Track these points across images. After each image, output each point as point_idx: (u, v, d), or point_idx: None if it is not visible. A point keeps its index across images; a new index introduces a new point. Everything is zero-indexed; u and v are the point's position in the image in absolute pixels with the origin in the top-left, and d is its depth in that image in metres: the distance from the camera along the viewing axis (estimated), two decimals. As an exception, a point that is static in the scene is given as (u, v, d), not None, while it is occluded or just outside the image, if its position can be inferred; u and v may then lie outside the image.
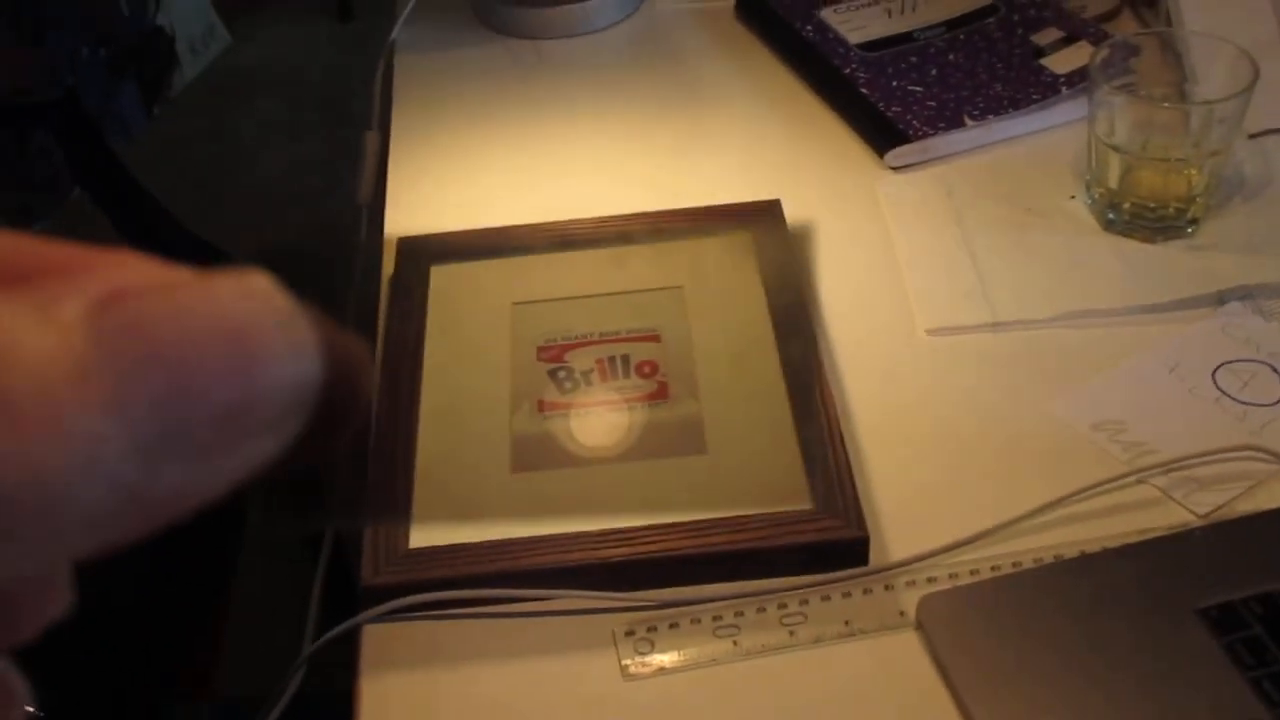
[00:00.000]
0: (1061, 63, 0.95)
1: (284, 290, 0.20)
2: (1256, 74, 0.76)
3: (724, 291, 0.78)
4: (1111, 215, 0.82)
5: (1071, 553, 0.63)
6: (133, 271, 0.19)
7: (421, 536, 0.64)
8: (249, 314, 0.19)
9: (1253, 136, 0.87)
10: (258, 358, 0.19)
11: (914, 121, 0.91)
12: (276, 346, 0.19)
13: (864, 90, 0.95)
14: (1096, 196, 0.83)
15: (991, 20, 1.01)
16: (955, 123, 0.91)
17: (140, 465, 0.17)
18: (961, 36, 1.00)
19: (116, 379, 0.17)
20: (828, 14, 1.05)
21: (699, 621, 0.61)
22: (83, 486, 0.17)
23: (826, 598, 0.62)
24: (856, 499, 0.64)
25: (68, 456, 0.17)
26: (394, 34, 1.11)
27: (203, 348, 0.18)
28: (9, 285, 0.18)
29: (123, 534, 0.18)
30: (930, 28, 1.02)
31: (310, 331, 0.20)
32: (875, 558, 0.63)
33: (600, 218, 0.83)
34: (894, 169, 0.89)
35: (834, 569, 0.63)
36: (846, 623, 0.61)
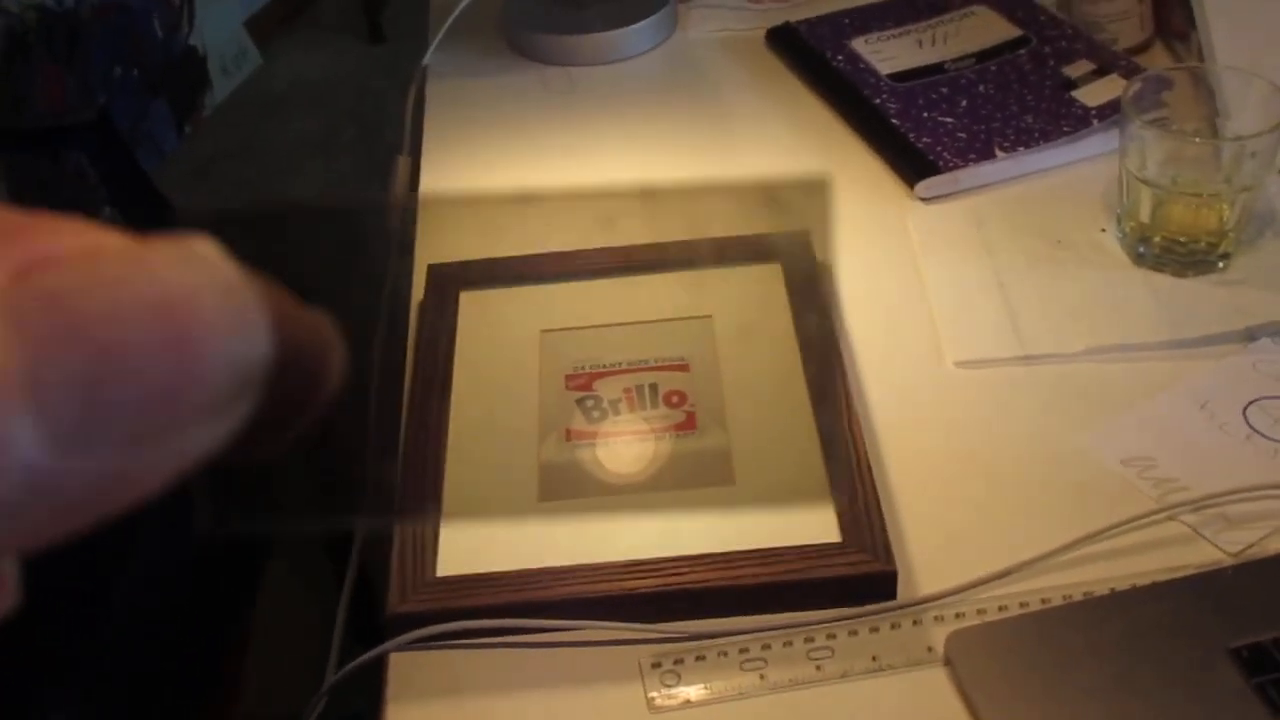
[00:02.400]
0: (1093, 95, 0.95)
1: (229, 257, 0.18)
2: (1290, 109, 0.76)
3: (753, 321, 0.78)
4: (1142, 249, 0.82)
5: (1101, 590, 0.62)
6: (59, 237, 0.17)
7: (448, 565, 0.64)
8: (185, 284, 0.17)
9: (1285, 171, 0.87)
10: (194, 333, 0.16)
11: (944, 153, 0.91)
12: (217, 320, 0.17)
13: (894, 121, 0.95)
14: (1127, 230, 0.83)
15: (1023, 52, 1.01)
16: (986, 154, 0.91)
17: (57, 455, 0.15)
18: (992, 68, 1.00)
19: (29, 358, 0.15)
20: (858, 44, 1.05)
21: (726, 654, 0.61)
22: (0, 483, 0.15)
23: (854, 632, 0.62)
24: (885, 533, 0.64)
25: None
26: (426, 59, 1.12)
27: (129, 322, 0.16)
28: None
29: (44, 530, 0.16)
30: (961, 59, 1.02)
31: (259, 304, 0.18)
32: (903, 592, 0.63)
33: (629, 245, 0.84)
34: (924, 200, 0.89)
35: (862, 603, 0.62)
36: (874, 658, 0.60)
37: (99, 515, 0.17)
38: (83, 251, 0.17)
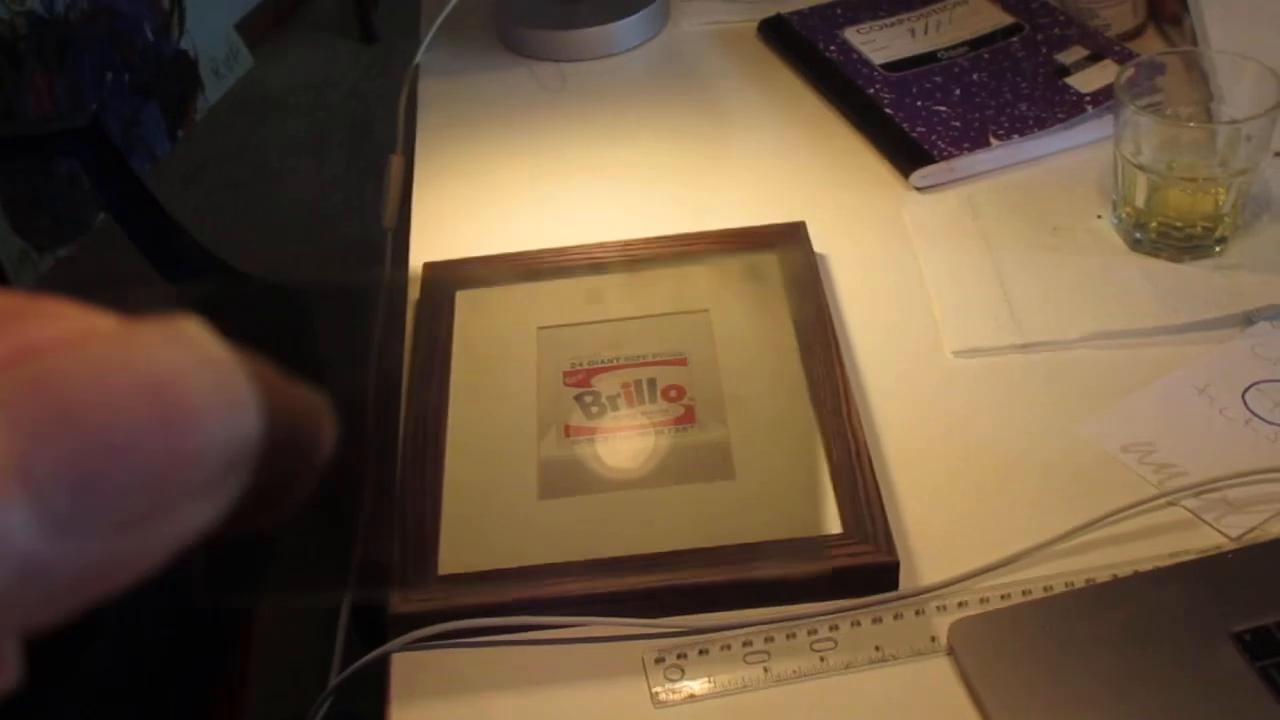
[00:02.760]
0: (1086, 81, 0.95)
1: (216, 337, 0.18)
2: (1284, 92, 0.76)
3: (750, 314, 0.78)
4: (1138, 235, 0.82)
5: (1103, 576, 0.62)
6: (47, 322, 0.17)
7: (450, 563, 0.64)
8: (174, 365, 0.17)
9: (1280, 154, 0.86)
10: (184, 414, 0.17)
11: (939, 142, 0.91)
12: (207, 401, 0.17)
13: (888, 110, 0.95)
14: (1123, 216, 0.83)
15: (1015, 39, 1.01)
16: (980, 143, 0.90)
17: (54, 542, 0.16)
18: (985, 56, 1.00)
19: (20, 448, 0.15)
20: (851, 34, 1.05)
21: (729, 648, 0.61)
22: None
23: (857, 623, 0.62)
24: (886, 523, 0.64)
25: None
26: (418, 58, 1.12)
27: (119, 406, 0.16)
28: None
29: (42, 614, 0.16)
30: (954, 47, 1.02)
31: (247, 382, 0.18)
32: (905, 582, 0.63)
33: (625, 241, 0.83)
34: (919, 189, 0.89)
35: (864, 594, 0.62)
36: (877, 648, 0.60)
37: (95, 597, 0.17)
38: (71, 337, 0.17)
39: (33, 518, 0.15)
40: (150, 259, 1.40)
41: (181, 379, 0.17)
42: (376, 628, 0.64)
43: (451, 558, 0.65)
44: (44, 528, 0.15)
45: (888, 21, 1.06)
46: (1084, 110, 0.92)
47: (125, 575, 0.17)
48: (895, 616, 0.62)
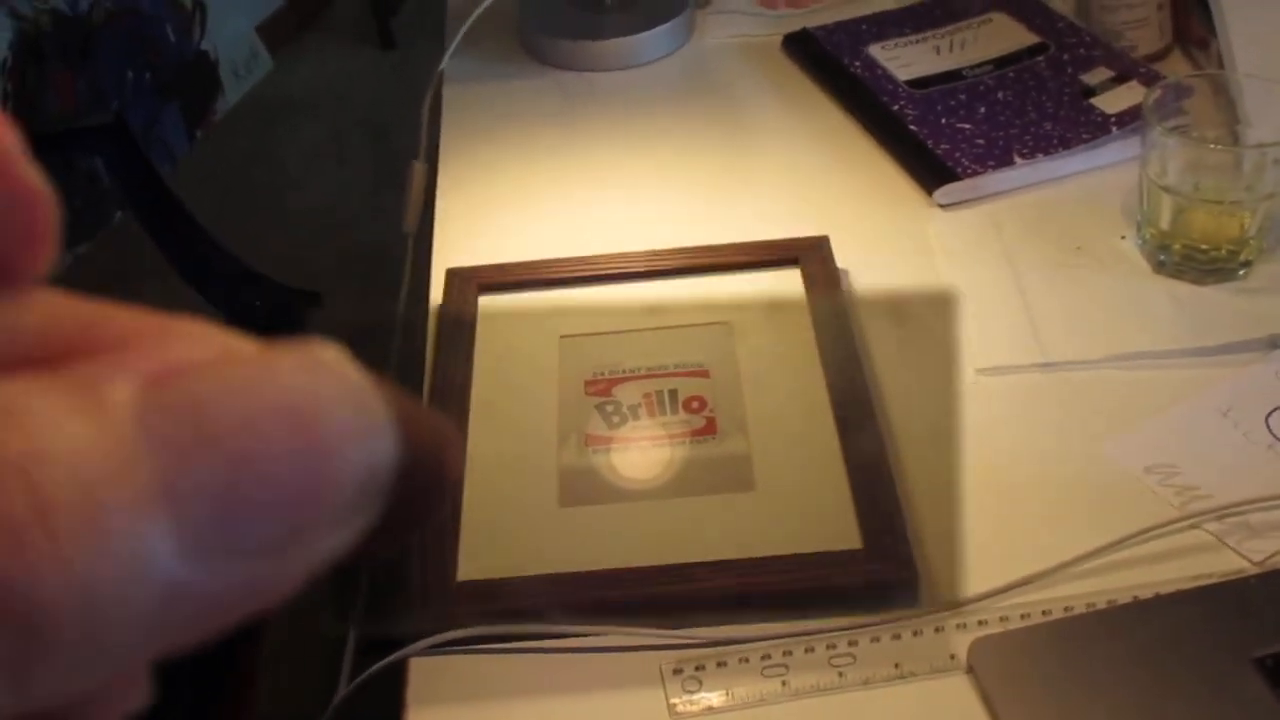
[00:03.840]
0: (1112, 102, 0.95)
1: (357, 363, 0.18)
2: (1312, 117, 0.76)
3: (772, 327, 0.78)
4: (1163, 257, 0.81)
5: (1124, 598, 0.62)
6: (189, 344, 0.17)
7: (468, 570, 0.64)
8: (315, 391, 0.17)
9: (1306, 179, 0.86)
10: (325, 440, 0.17)
11: (963, 159, 0.91)
12: (346, 427, 0.17)
13: (913, 127, 0.95)
14: (1148, 237, 0.82)
15: (1041, 59, 1.01)
16: (1005, 161, 0.90)
17: (196, 564, 0.16)
18: (1011, 74, 1.00)
19: (165, 470, 0.15)
20: (876, 50, 1.05)
21: (747, 661, 0.61)
22: (132, 593, 0.15)
23: (876, 639, 0.61)
24: (907, 539, 0.64)
25: (114, 562, 0.15)
26: (443, 64, 1.12)
27: (262, 431, 0.16)
28: (53, 363, 0.16)
29: (179, 638, 0.16)
30: (979, 65, 1.02)
31: (386, 409, 0.18)
32: (926, 599, 0.63)
33: (649, 251, 0.84)
34: (943, 207, 0.89)
35: (884, 610, 0.62)
36: (896, 665, 0.60)
37: (229, 622, 0.17)
38: (213, 359, 0.17)
39: (176, 541, 0.15)
40: (170, 257, 1.40)
41: (323, 405, 0.17)
42: (393, 634, 0.64)
43: (470, 564, 0.64)
44: (186, 551, 0.15)
45: (913, 39, 1.06)
46: (1109, 131, 0.92)
47: (259, 601, 0.17)
48: (915, 633, 0.62)
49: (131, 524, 0.15)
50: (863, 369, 0.74)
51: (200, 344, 0.17)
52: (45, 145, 1.48)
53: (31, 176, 0.19)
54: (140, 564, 0.15)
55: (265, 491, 0.16)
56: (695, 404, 0.73)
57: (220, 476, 0.16)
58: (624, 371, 0.75)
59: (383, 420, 0.18)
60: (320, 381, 0.17)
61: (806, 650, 0.61)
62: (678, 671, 0.61)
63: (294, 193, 2.58)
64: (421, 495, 0.19)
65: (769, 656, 0.61)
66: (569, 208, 0.94)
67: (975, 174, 0.90)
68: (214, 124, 2.82)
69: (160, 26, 2.70)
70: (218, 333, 0.18)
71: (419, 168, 1.03)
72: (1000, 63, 1.02)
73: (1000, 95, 0.98)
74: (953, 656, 0.60)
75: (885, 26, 1.08)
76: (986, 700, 0.58)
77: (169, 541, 0.15)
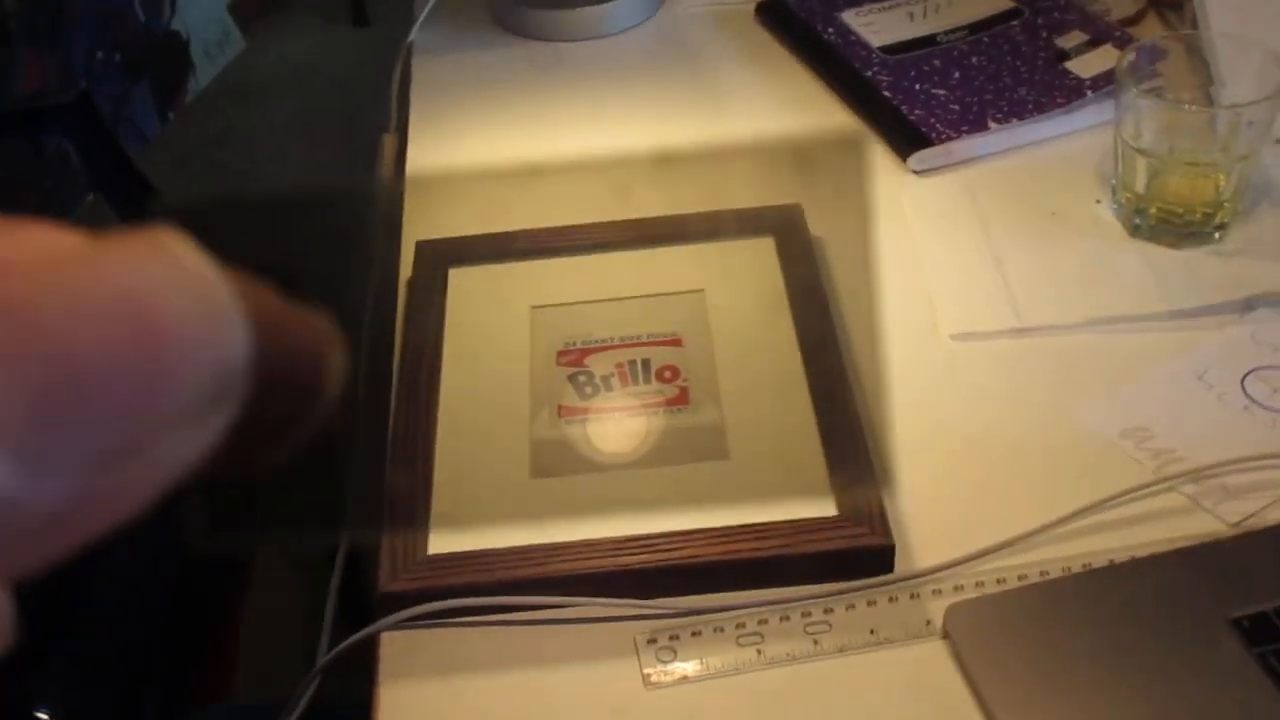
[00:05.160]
0: (1086, 66, 0.94)
1: (200, 251, 0.16)
2: (1286, 77, 0.75)
3: (746, 296, 0.77)
4: (1138, 220, 0.81)
5: (1100, 562, 0.62)
6: (13, 244, 0.16)
7: (440, 542, 0.63)
8: (150, 283, 0.15)
9: (1280, 141, 0.86)
10: (160, 336, 0.15)
11: (937, 125, 0.90)
12: (186, 321, 0.15)
13: (886, 93, 0.94)
14: (1123, 201, 0.82)
15: (1015, 23, 1.01)
16: (979, 126, 0.90)
17: (21, 477, 0.14)
18: (985, 40, 0.99)
19: None
20: (849, 16, 1.04)
21: (722, 630, 0.60)
22: None
23: (851, 606, 0.61)
24: (881, 506, 0.63)
25: None
26: (411, 36, 1.11)
27: (92, 328, 0.15)
28: None
29: (24, 557, 0.15)
30: (953, 31, 1.01)
31: (235, 301, 0.16)
32: (901, 566, 0.62)
33: (620, 221, 0.83)
34: (917, 173, 0.88)
35: (859, 577, 0.62)
36: (872, 632, 0.60)
37: (80, 537, 0.16)
38: (35, 256, 0.15)
39: (1, 453, 0.14)
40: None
41: (159, 297, 0.15)
42: (364, 608, 0.63)
43: (442, 537, 0.64)
44: (13, 464, 0.14)
45: (886, 4, 1.05)
46: (1083, 95, 0.91)
47: (110, 513, 0.16)
48: (890, 600, 0.61)
49: None
50: (837, 337, 0.73)
51: (24, 242, 0.16)
52: (11, 125, 1.46)
53: (311, 321, 0.18)
54: None
55: (93, 395, 0.15)
56: (668, 373, 0.72)
57: (41, 381, 0.14)
58: (596, 341, 0.75)
59: (230, 313, 0.16)
60: (157, 271, 0.16)
61: (781, 618, 0.61)
62: (651, 641, 0.60)
63: (266, 173, 2.56)
64: (294, 395, 0.18)
65: (744, 625, 0.60)
66: (540, 178, 0.93)
67: (950, 140, 0.89)
68: (185, 104, 2.80)
69: (129, 5, 2.66)
70: (46, 229, 0.16)
71: (389, 139, 1.02)
72: (974, 28, 1.01)
73: (974, 60, 0.97)
74: (928, 622, 0.60)
75: (858, -7, 1.07)
76: (963, 665, 0.58)
77: None
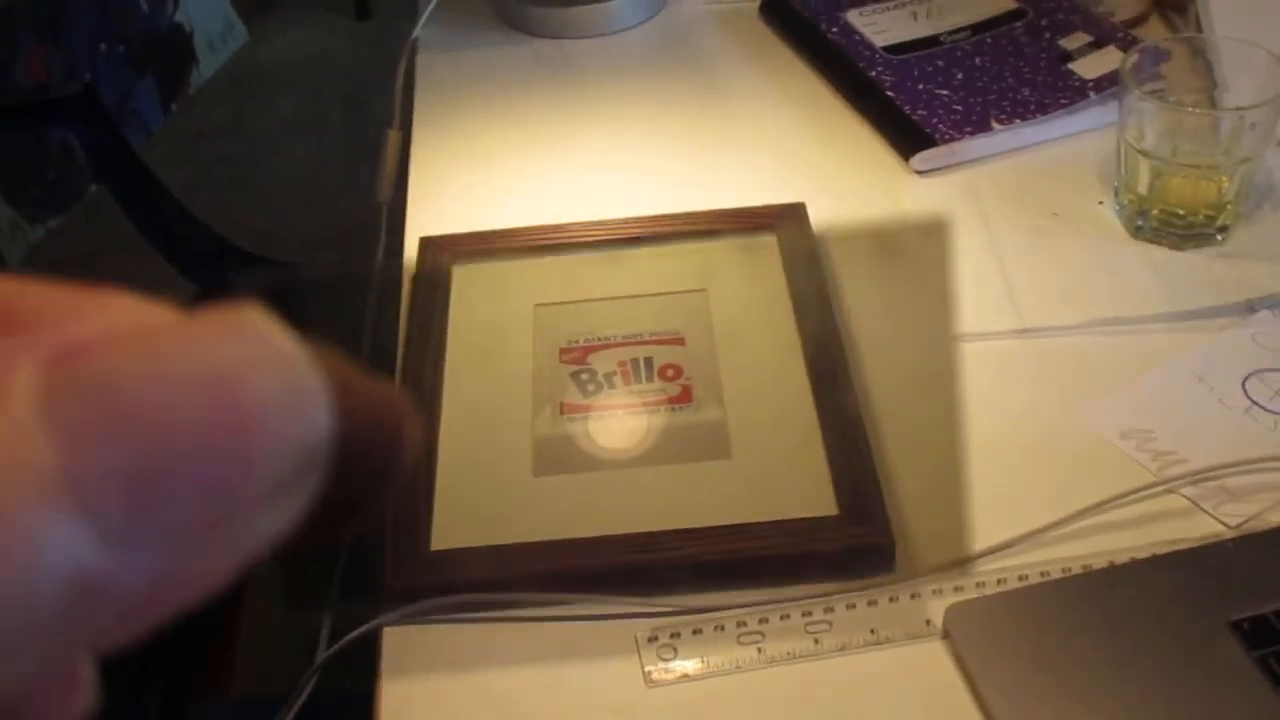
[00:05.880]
0: (1089, 67, 0.94)
1: (283, 326, 0.16)
2: (1289, 80, 0.75)
3: (749, 294, 0.77)
4: (1140, 222, 0.81)
5: (1100, 563, 0.62)
6: (103, 317, 0.16)
7: (443, 539, 0.64)
8: (236, 358, 0.15)
9: (1283, 143, 0.86)
10: (247, 412, 0.15)
11: (940, 125, 0.90)
12: (272, 396, 0.16)
13: (890, 93, 0.94)
14: (1125, 203, 0.82)
15: (1019, 24, 1.01)
16: (982, 127, 0.90)
17: (112, 555, 0.14)
18: (988, 40, 1.00)
19: (70, 455, 0.14)
20: (853, 16, 1.04)
21: (723, 628, 0.60)
22: (39, 589, 0.14)
23: (852, 606, 0.61)
24: (883, 505, 0.63)
25: (18, 559, 0.14)
26: (416, 32, 1.11)
27: (176, 405, 0.15)
28: None
29: (110, 633, 0.15)
30: (956, 31, 1.01)
31: (319, 376, 0.16)
32: (902, 566, 0.63)
33: (623, 219, 0.83)
34: (920, 173, 0.89)
35: (860, 576, 0.62)
36: (872, 631, 0.60)
37: (166, 614, 0.16)
38: (123, 332, 0.15)
39: (88, 531, 0.14)
40: (143, 231, 1.39)
41: (245, 375, 0.15)
42: (365, 603, 0.63)
43: (444, 533, 0.64)
44: (102, 541, 0.14)
45: (890, 4, 1.05)
46: (1086, 96, 0.92)
47: (194, 590, 0.16)
48: (891, 599, 0.61)
49: (33, 517, 0.14)
50: (839, 336, 0.73)
51: (115, 316, 0.16)
52: (16, 118, 1.47)
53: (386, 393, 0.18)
54: (45, 558, 0.14)
55: (184, 473, 0.15)
56: (671, 371, 0.72)
57: (131, 459, 0.14)
58: (599, 339, 0.75)
59: (315, 388, 0.16)
60: (242, 348, 0.16)
61: (782, 617, 0.61)
62: (653, 640, 0.60)
63: (269, 164, 2.56)
64: (373, 470, 0.18)
65: (744, 624, 0.61)
66: (544, 175, 0.93)
67: (952, 140, 0.89)
68: (189, 96, 2.80)
69: (133, -2, 2.67)
70: (135, 303, 0.17)
71: (394, 135, 1.02)
72: (977, 28, 1.01)
73: (977, 61, 0.97)
74: (929, 622, 0.60)
75: (862, -8, 1.07)
76: (963, 666, 0.58)
77: (79, 533, 0.14)
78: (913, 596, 0.61)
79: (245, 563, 0.16)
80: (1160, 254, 0.80)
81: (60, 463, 0.14)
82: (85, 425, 0.14)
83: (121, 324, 0.16)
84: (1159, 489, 0.65)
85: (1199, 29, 0.91)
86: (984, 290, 0.78)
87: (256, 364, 0.16)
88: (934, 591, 0.62)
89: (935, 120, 0.91)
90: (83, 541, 0.14)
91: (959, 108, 0.92)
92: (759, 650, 0.59)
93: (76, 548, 0.14)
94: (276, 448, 0.16)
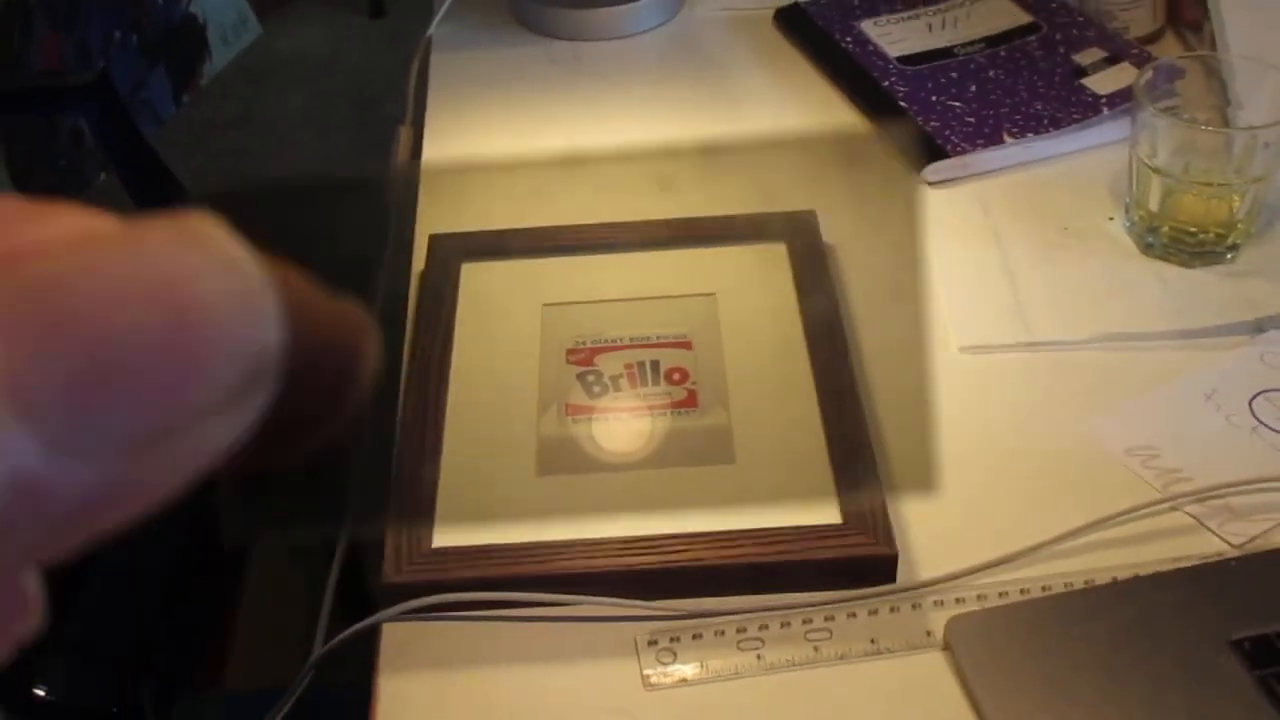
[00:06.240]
0: (1103, 83, 0.94)
1: (233, 235, 0.16)
2: (1304, 101, 0.75)
3: (757, 301, 0.77)
4: (1150, 239, 0.81)
5: (1103, 579, 0.62)
6: (48, 224, 0.16)
7: (444, 536, 0.64)
8: (184, 267, 0.15)
9: (1295, 163, 0.86)
10: (195, 320, 0.15)
11: (953, 137, 0.90)
12: (220, 305, 0.15)
13: (903, 104, 0.94)
14: (1136, 219, 0.82)
15: (1033, 38, 1.01)
16: (994, 140, 0.90)
17: (55, 462, 0.14)
18: (1003, 53, 0.99)
19: (11, 360, 0.14)
20: (867, 26, 1.04)
21: (723, 633, 0.60)
22: None
23: (853, 615, 0.61)
24: (886, 515, 0.63)
25: None
26: (431, 29, 1.11)
27: (123, 313, 0.14)
28: None
29: (54, 543, 0.15)
30: (971, 43, 1.01)
31: (269, 285, 0.16)
32: (903, 576, 0.62)
33: (633, 222, 0.83)
34: (931, 184, 0.88)
35: (861, 585, 0.62)
36: (872, 641, 0.60)
37: (109, 525, 0.16)
38: (69, 238, 0.15)
39: (29, 436, 0.14)
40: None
41: (192, 281, 0.15)
42: (362, 599, 0.63)
43: (447, 530, 0.64)
44: (42, 447, 0.14)
45: (905, 15, 1.05)
46: (1100, 112, 0.92)
47: (140, 501, 0.16)
48: (892, 609, 0.61)
49: None
50: (847, 344, 0.73)
51: (57, 223, 0.16)
52: (30, 102, 1.47)
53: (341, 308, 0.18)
54: None
55: (127, 378, 0.15)
56: (677, 375, 0.72)
57: (74, 364, 0.14)
58: (606, 341, 0.75)
59: (264, 295, 0.16)
60: (190, 255, 0.15)
61: (782, 624, 0.61)
62: (652, 643, 0.60)
63: (279, 158, 2.56)
64: (327, 384, 0.17)
65: (744, 630, 0.61)
66: (555, 176, 0.93)
67: (965, 152, 0.89)
68: (200, 88, 2.80)
69: (148, -12, 2.67)
70: (79, 211, 0.16)
71: (405, 131, 1.02)
72: (992, 41, 1.01)
73: (991, 74, 0.97)
74: (929, 633, 0.60)
75: (877, 2, 1.07)
76: (962, 678, 0.58)
77: (17, 437, 0.14)
78: (914, 607, 0.61)
79: (194, 474, 0.16)
80: (1170, 271, 0.80)
81: (6, 365, 0.14)
82: (24, 329, 0.14)
83: (66, 231, 0.16)
84: (1163, 506, 0.65)
85: (1214, 47, 0.91)
86: (993, 302, 0.78)
87: (203, 269, 0.15)
88: (935, 603, 0.61)
89: (948, 132, 0.91)
90: (22, 446, 0.14)
91: (972, 120, 0.92)
92: (758, 656, 0.59)
93: (14, 451, 0.14)
94: (223, 354, 0.15)
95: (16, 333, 0.14)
